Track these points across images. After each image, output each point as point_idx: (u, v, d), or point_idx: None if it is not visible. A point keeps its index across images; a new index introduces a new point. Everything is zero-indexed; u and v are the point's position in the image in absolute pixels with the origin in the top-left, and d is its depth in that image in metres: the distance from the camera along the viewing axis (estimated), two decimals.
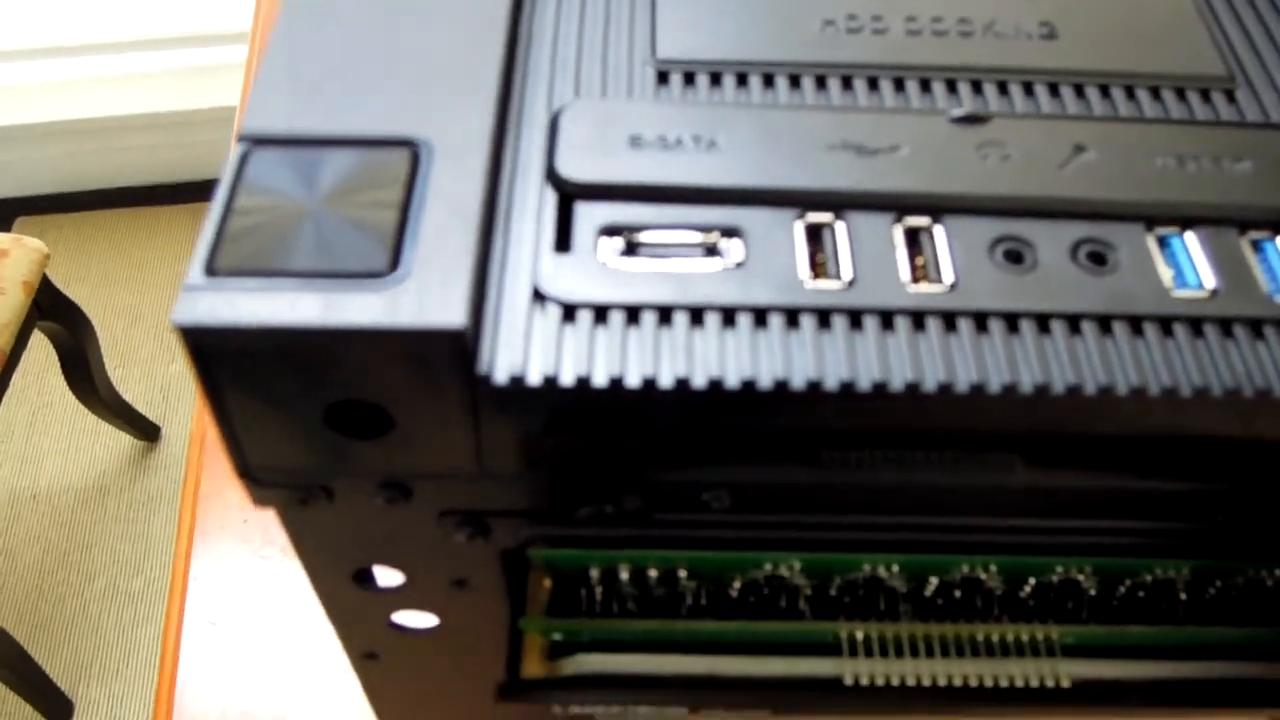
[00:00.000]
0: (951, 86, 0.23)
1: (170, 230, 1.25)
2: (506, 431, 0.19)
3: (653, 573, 0.23)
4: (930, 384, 0.18)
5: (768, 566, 0.23)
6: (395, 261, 0.18)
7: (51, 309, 0.97)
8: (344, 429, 0.19)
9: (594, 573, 0.23)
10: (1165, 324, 0.19)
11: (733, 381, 0.18)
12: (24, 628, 0.95)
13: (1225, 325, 0.19)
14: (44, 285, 0.95)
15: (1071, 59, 0.24)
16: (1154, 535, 0.22)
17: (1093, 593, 0.24)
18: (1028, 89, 0.23)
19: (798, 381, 0.18)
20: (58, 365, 1.00)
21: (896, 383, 0.18)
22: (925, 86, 0.23)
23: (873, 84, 0.23)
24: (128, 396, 1.06)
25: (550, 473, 0.20)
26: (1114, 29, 0.24)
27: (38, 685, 0.89)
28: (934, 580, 0.23)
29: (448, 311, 0.17)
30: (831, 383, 0.18)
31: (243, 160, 0.19)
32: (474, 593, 0.24)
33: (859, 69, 0.23)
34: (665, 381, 0.18)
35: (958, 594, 0.24)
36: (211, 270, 0.18)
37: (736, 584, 0.23)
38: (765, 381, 0.18)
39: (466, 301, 0.18)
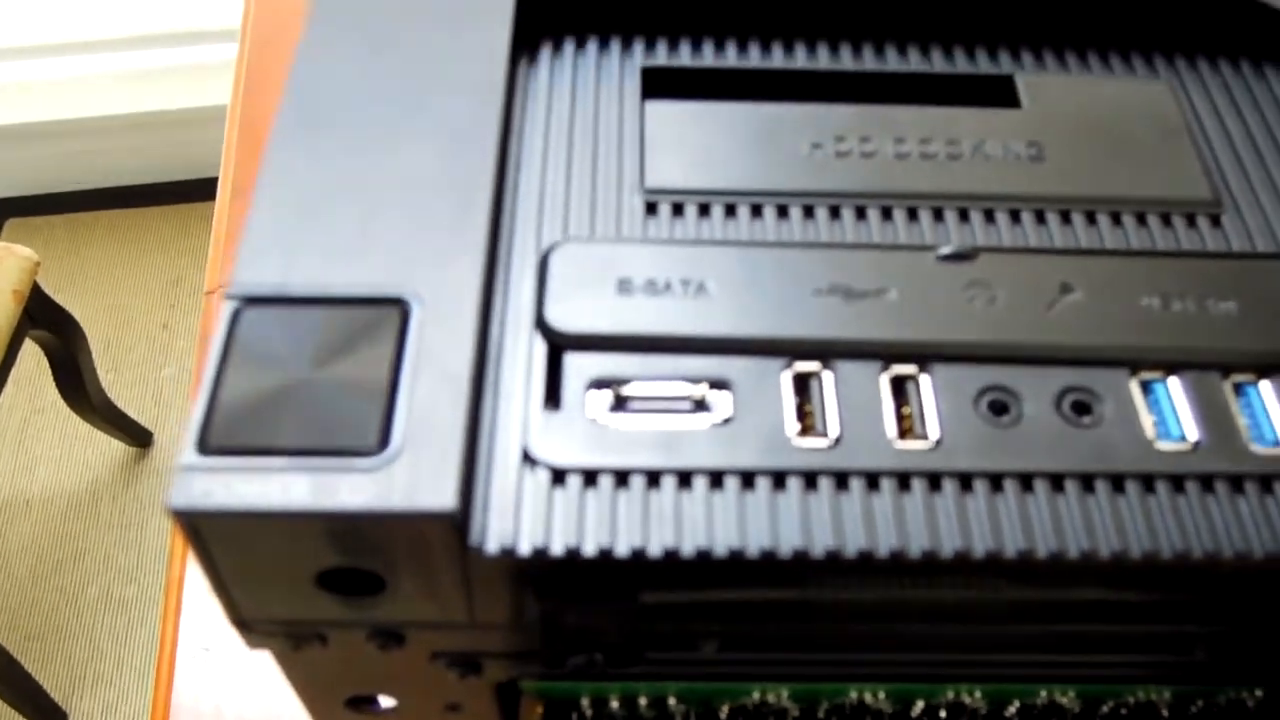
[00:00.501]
0: (938, 215, 0.23)
1: (163, 230, 1.24)
2: (498, 593, 0.20)
3: (643, 700, 0.23)
4: (915, 551, 0.19)
5: (756, 695, 0.23)
6: (385, 437, 0.18)
7: (43, 317, 0.97)
8: (336, 589, 0.19)
9: (585, 700, 0.23)
10: (1147, 481, 0.20)
11: (720, 551, 0.18)
12: (16, 637, 0.95)
13: (1206, 481, 0.20)
14: (35, 293, 0.95)
15: (1058, 183, 0.24)
16: (1135, 666, 0.23)
17: (1076, 711, 0.24)
18: (1014, 216, 0.23)
19: (784, 551, 0.19)
20: (49, 372, 1.00)
21: (882, 550, 0.19)
22: (912, 215, 0.23)
23: (860, 213, 0.23)
24: (120, 401, 1.06)
25: (541, 624, 0.20)
26: (1102, 149, 0.24)
27: (30, 696, 0.89)
28: (920, 703, 0.24)
29: (439, 494, 0.18)
30: (817, 551, 0.19)
31: (233, 322, 0.19)
32: (468, 716, 0.24)
33: (846, 197, 0.23)
34: (654, 551, 0.18)
35: (943, 714, 0.24)
36: (205, 447, 0.18)
37: (725, 709, 0.24)
38: (752, 551, 0.19)
39: (457, 479, 0.18)
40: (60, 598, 0.99)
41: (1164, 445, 0.20)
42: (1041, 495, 0.19)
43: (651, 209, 0.23)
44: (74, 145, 1.26)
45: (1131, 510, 0.19)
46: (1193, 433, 0.20)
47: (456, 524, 0.18)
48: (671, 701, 0.23)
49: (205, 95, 1.21)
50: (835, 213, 0.23)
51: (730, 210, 0.23)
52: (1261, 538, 0.19)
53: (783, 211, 0.23)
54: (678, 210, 0.23)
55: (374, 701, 0.24)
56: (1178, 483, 0.20)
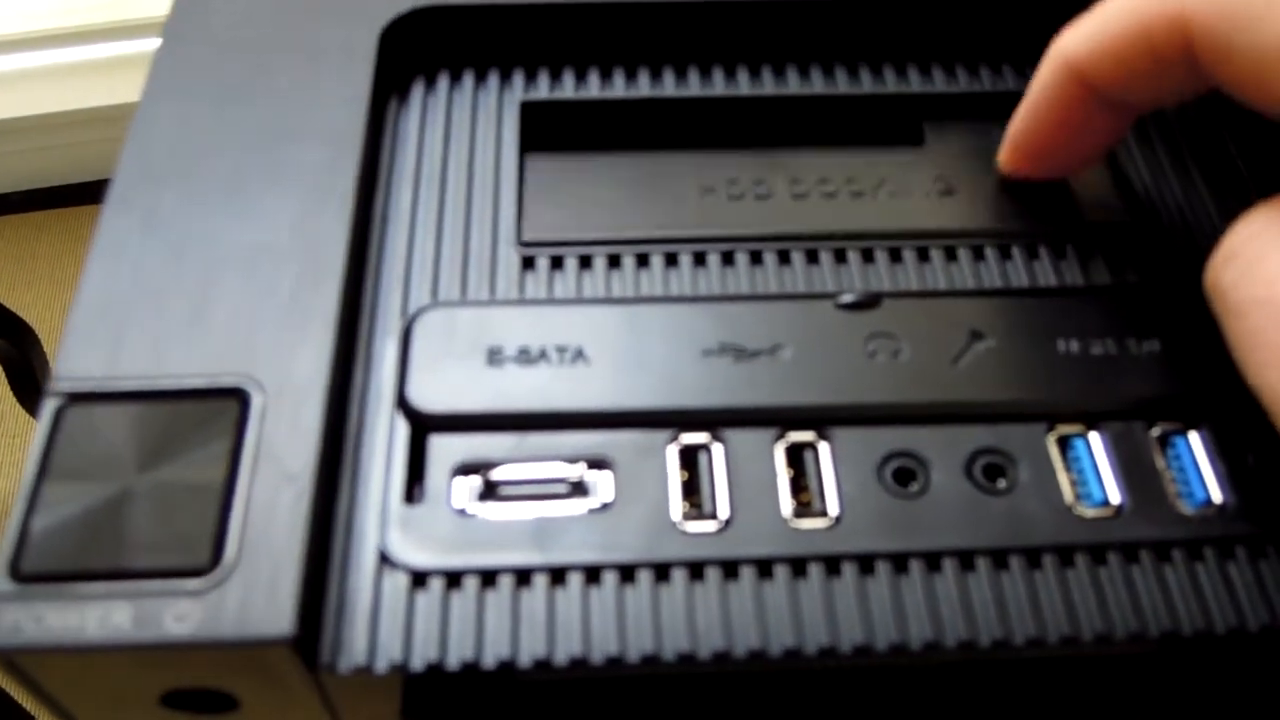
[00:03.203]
0: (840, 256, 0.21)
1: None
2: (365, 705, 0.18)
3: None
4: (811, 648, 0.17)
5: None
6: (218, 554, 0.16)
7: None
8: (186, 707, 0.18)
9: None
10: (1065, 554, 0.18)
11: (597, 659, 0.17)
12: None
13: (1129, 550, 0.18)
14: None
15: (969, 217, 0.22)
16: None
17: None
18: (922, 255, 0.21)
19: (667, 655, 0.17)
20: (3, 378, 0.97)
21: (774, 650, 0.17)
22: (812, 258, 0.21)
23: (755, 258, 0.21)
24: None
25: None
26: (1013, 181, 0.22)
27: (5, 711, 0.88)
28: None
29: (275, 618, 0.16)
30: (703, 654, 0.17)
31: (54, 424, 0.18)
32: None
33: (741, 242, 0.21)
34: (523, 663, 0.17)
35: None
36: (16, 574, 0.16)
37: None
38: (632, 657, 0.17)
39: (295, 598, 0.16)
40: None
41: (1084, 510, 0.18)
42: (950, 575, 0.18)
43: (529, 263, 0.21)
44: (18, 144, 1.23)
45: (1049, 588, 0.18)
46: (1115, 495, 0.19)
47: (297, 647, 0.16)
48: None
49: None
50: (728, 258, 0.21)
51: (614, 261, 0.21)
52: (1190, 612, 0.18)
53: (671, 260, 0.21)
54: (557, 263, 0.21)
55: None
56: (1099, 554, 0.18)
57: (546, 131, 0.23)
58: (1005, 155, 0.22)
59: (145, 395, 0.18)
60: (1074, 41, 0.19)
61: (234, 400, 0.18)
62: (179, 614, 0.16)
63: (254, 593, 0.16)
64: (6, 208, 1.25)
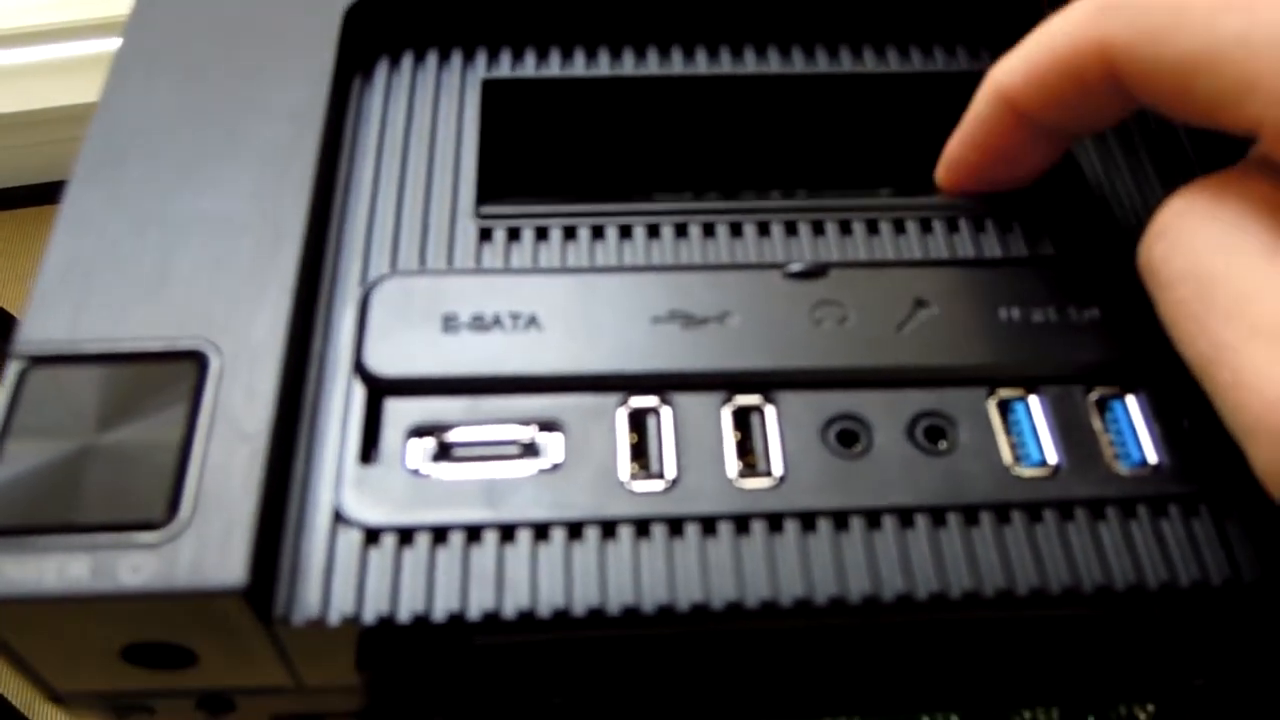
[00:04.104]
0: (791, 229, 0.22)
1: None
2: (320, 659, 0.18)
3: None
4: (752, 601, 0.18)
5: None
6: (173, 508, 0.17)
7: None
8: (146, 663, 0.18)
9: None
10: (1002, 512, 0.19)
11: (544, 611, 0.17)
12: None
13: (1065, 508, 0.19)
14: None
15: (920, 189, 0.22)
16: (1014, 688, 0.22)
17: None
18: (871, 227, 0.22)
19: (612, 607, 0.17)
20: None
21: (716, 602, 0.18)
22: (764, 230, 0.22)
23: (708, 230, 0.22)
24: None
25: (369, 692, 0.19)
26: None
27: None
28: None
29: (228, 568, 0.16)
30: (648, 606, 0.17)
31: (17, 385, 0.18)
32: None
33: (694, 214, 0.22)
34: (473, 615, 0.17)
35: None
36: None
37: None
38: (578, 609, 0.17)
39: (248, 551, 0.17)
40: None
41: (1022, 471, 0.19)
42: (890, 532, 0.18)
43: (486, 235, 0.21)
44: (7, 140, 1.23)
45: (985, 544, 0.18)
46: (1053, 456, 0.19)
47: (250, 599, 0.16)
48: None
49: None
50: (682, 230, 0.22)
51: (570, 233, 0.22)
52: (1123, 567, 0.18)
53: (626, 232, 0.22)
54: (513, 235, 0.21)
55: None
56: (1035, 512, 0.19)
57: (508, 110, 0.23)
58: (941, 174, 0.22)
59: (106, 358, 0.18)
60: (1006, 71, 0.20)
61: (192, 363, 0.18)
62: (134, 565, 0.16)
63: (207, 545, 0.17)
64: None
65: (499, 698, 0.20)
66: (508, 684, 0.20)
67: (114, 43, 0.22)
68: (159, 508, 0.17)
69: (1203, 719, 0.23)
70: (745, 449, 0.19)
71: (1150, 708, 0.23)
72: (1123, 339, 0.20)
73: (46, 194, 1.27)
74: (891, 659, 0.21)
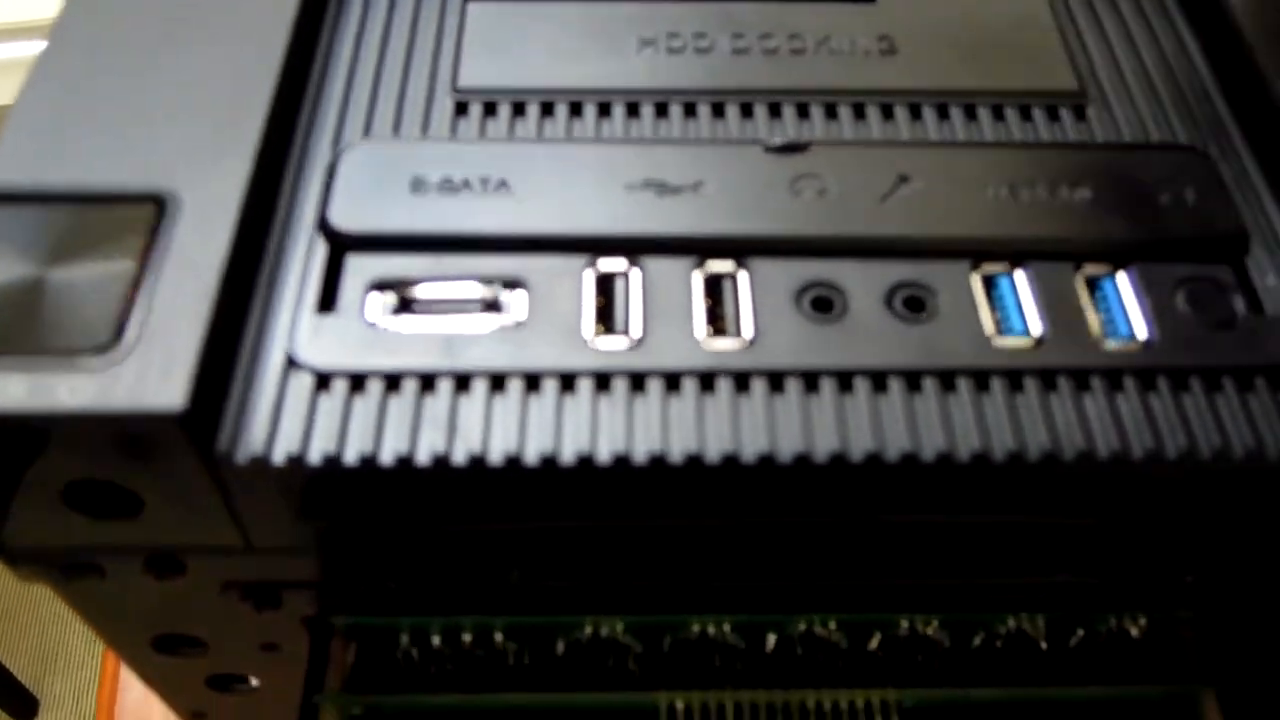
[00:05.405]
0: (775, 111, 0.21)
1: None
2: (264, 510, 0.18)
3: (467, 637, 0.22)
4: (713, 455, 0.17)
5: (589, 629, 0.21)
6: (118, 336, 0.16)
7: None
8: (88, 510, 0.18)
9: (405, 638, 0.22)
10: (980, 378, 0.18)
11: (495, 458, 0.17)
12: None
13: (1047, 377, 0.18)
14: None
15: (910, 77, 0.22)
16: (998, 590, 0.21)
17: (946, 645, 0.22)
18: (858, 111, 0.21)
19: (566, 456, 0.17)
20: None
21: (675, 455, 0.17)
22: (746, 111, 0.21)
23: (690, 110, 0.21)
24: None
25: (316, 547, 0.19)
26: (959, 42, 0.22)
27: (1, 682, 0.88)
28: (772, 637, 0.22)
29: (167, 392, 0.16)
30: (603, 456, 0.17)
31: None
32: (288, 656, 0.22)
33: (675, 94, 0.21)
34: (421, 459, 0.17)
35: (799, 651, 0.22)
36: None
37: (560, 645, 0.22)
38: (530, 457, 0.17)
39: (190, 379, 0.16)
40: None
41: (1004, 341, 0.18)
42: (861, 394, 0.18)
43: (462, 109, 0.21)
44: None
45: (962, 409, 0.17)
46: (1037, 327, 0.18)
47: (187, 427, 0.16)
48: (499, 638, 0.21)
49: None
50: (662, 110, 0.21)
51: (547, 109, 0.21)
52: (1106, 437, 0.17)
53: (604, 110, 0.21)
54: (490, 110, 0.21)
55: (182, 649, 0.22)
56: (1016, 380, 0.18)
57: None
58: None
59: (66, 197, 0.18)
60: None
61: (151, 205, 0.18)
62: (73, 387, 0.16)
63: (149, 371, 0.16)
64: None
65: (455, 571, 0.20)
66: (464, 559, 0.19)
67: None
68: (104, 335, 0.16)
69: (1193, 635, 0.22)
70: (716, 315, 0.18)
71: (1142, 621, 0.22)
72: (1115, 219, 0.19)
73: None
74: (870, 559, 0.20)
